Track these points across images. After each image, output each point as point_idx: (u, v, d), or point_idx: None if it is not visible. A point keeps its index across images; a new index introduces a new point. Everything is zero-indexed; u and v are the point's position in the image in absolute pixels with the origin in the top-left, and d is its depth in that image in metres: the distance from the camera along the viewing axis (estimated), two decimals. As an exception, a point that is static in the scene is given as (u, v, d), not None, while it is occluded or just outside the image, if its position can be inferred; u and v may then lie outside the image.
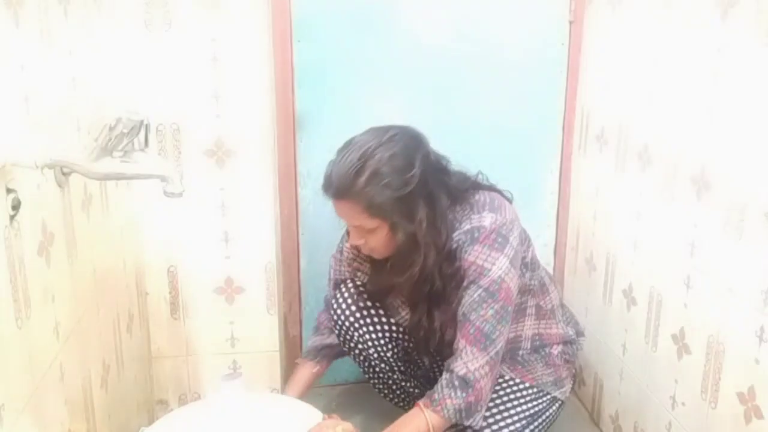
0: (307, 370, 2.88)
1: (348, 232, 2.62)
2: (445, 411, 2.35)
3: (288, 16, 3.05)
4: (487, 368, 2.37)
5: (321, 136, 3.21)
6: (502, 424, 2.57)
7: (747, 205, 2.09)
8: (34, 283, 1.69)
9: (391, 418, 2.54)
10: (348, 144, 2.44)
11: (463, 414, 2.37)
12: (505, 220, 2.44)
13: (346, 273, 2.81)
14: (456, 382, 2.37)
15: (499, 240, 2.41)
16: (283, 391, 2.92)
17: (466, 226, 2.43)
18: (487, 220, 2.42)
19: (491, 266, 2.38)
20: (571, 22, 3.23)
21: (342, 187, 2.37)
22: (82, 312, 2.08)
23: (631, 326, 2.83)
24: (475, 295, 2.38)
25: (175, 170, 1.77)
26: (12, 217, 1.55)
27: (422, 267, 2.44)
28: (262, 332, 3.11)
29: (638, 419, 2.82)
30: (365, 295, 2.72)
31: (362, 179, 2.33)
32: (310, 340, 2.98)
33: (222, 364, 3.13)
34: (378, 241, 2.44)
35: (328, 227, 3.15)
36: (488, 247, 2.39)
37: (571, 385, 2.79)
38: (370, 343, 2.69)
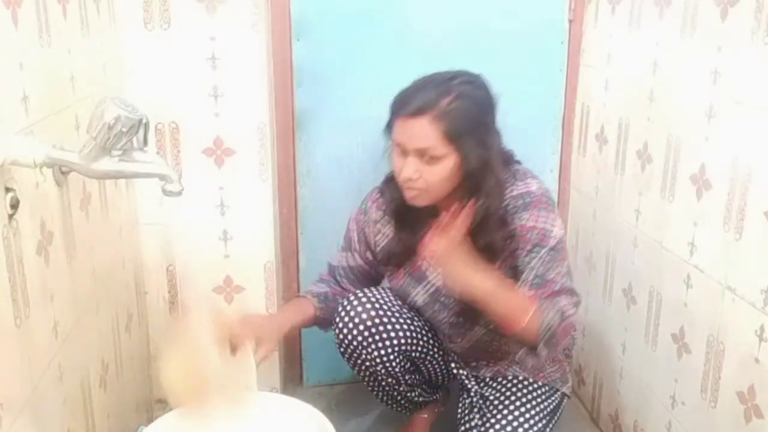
0: (309, 305, 2.70)
1: (387, 180, 2.61)
2: (544, 318, 2.26)
3: (287, 14, 3.04)
4: (573, 318, 2.36)
5: (320, 135, 3.21)
6: (526, 426, 2.50)
7: (747, 204, 2.08)
8: (33, 283, 1.69)
9: (392, 419, 2.54)
10: (424, 75, 2.45)
11: (549, 335, 2.27)
12: (546, 187, 2.48)
13: (369, 235, 2.70)
14: (556, 310, 2.29)
15: (550, 202, 2.43)
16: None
17: (514, 192, 2.42)
18: (533, 185, 2.44)
19: (552, 227, 2.37)
20: (570, 21, 3.22)
21: (424, 104, 2.33)
22: (80, 311, 2.08)
23: (630, 325, 2.83)
24: (547, 257, 2.35)
25: (174, 169, 1.77)
26: (11, 216, 1.55)
27: (487, 206, 2.38)
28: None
29: (638, 418, 2.82)
30: (377, 304, 2.60)
31: (447, 99, 2.33)
32: (317, 287, 2.82)
33: (221, 363, 3.12)
34: (438, 174, 2.35)
35: (327, 226, 3.17)
36: (544, 210, 2.39)
37: (571, 380, 2.77)
38: (378, 360, 2.59)
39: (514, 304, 2.27)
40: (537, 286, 2.34)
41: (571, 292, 2.37)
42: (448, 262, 2.19)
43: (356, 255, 2.74)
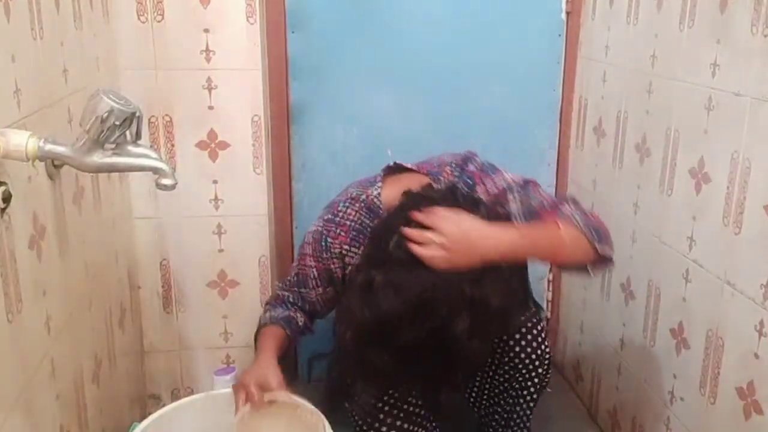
0: (280, 333, 2.52)
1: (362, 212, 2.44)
2: (575, 220, 2.16)
3: (282, 6, 3.02)
4: (590, 210, 2.28)
5: (315, 128, 3.20)
6: None
7: (746, 197, 2.07)
8: (25, 277, 1.67)
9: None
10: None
11: (593, 231, 2.15)
12: (485, 161, 2.41)
13: (335, 271, 2.48)
14: (572, 210, 2.21)
15: (486, 167, 2.37)
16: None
17: (460, 183, 2.34)
18: (470, 166, 2.38)
19: (502, 181, 2.31)
20: (568, 13, 3.22)
21: None
22: (73, 306, 2.07)
23: (629, 321, 2.81)
24: (518, 196, 2.26)
25: (167, 162, 1.75)
26: (2, 210, 1.53)
27: None
28: (256, 327, 3.09)
29: (636, 415, 2.81)
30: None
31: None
32: (276, 311, 2.59)
33: (215, 358, 3.12)
34: None
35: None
36: (487, 178, 2.33)
37: None
38: None
39: (542, 233, 2.17)
40: (533, 218, 2.24)
41: (562, 200, 2.27)
42: (460, 242, 2.03)
43: (311, 293, 2.54)
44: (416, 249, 2.01)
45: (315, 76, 3.14)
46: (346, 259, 2.43)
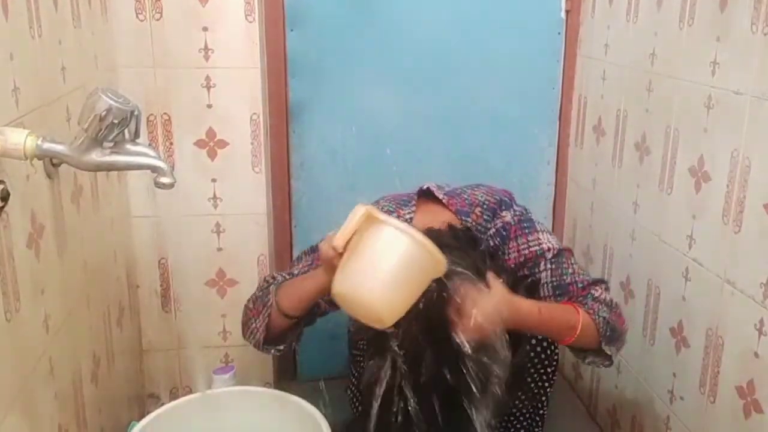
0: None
1: None
2: (597, 316, 2.20)
3: (281, 4, 3.02)
4: (615, 302, 2.30)
5: (314, 126, 3.19)
6: None
7: (746, 196, 2.06)
8: (24, 276, 1.67)
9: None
10: None
11: (609, 331, 2.21)
12: (522, 208, 2.40)
13: None
14: (599, 300, 2.25)
15: (526, 224, 2.36)
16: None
17: (491, 230, 2.34)
18: (507, 216, 2.36)
19: (538, 246, 2.32)
20: (567, 12, 3.21)
21: None
22: (71, 305, 2.06)
23: (628, 319, 2.77)
24: (552, 266, 2.30)
25: (166, 161, 1.74)
26: (0, 209, 1.52)
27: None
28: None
29: (636, 414, 2.80)
30: None
31: None
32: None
33: (214, 357, 3.12)
34: None
35: (321, 219, 3.15)
36: (521, 237, 2.33)
37: None
38: None
39: (560, 317, 2.20)
40: (560, 297, 2.29)
41: (595, 282, 2.31)
42: (495, 312, 1.99)
43: None
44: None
45: (314, 74, 3.14)
46: None
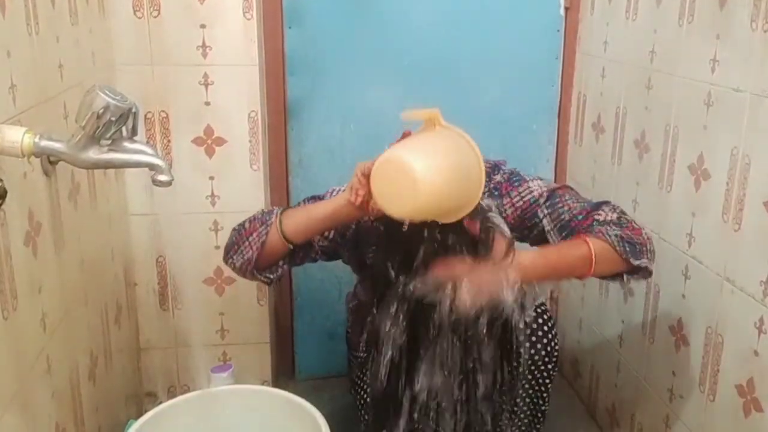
0: None
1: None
2: (608, 236, 2.12)
3: (279, 1, 3.02)
4: (626, 216, 2.22)
5: (313, 124, 3.19)
6: None
7: (746, 193, 2.06)
8: (21, 274, 1.67)
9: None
10: None
11: (627, 246, 2.13)
12: (507, 166, 2.40)
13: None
14: (606, 222, 2.19)
15: (515, 178, 2.34)
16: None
17: (485, 192, 2.32)
18: (497, 176, 2.36)
19: (530, 193, 2.30)
20: (566, 9, 3.21)
21: None
22: (69, 303, 2.06)
23: (628, 318, 2.81)
24: (549, 210, 2.27)
25: (163, 159, 1.73)
26: (-3, 207, 1.52)
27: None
28: (253, 323, 3.09)
29: (635, 412, 2.80)
30: None
31: None
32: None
33: (212, 355, 3.11)
34: None
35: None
36: (514, 190, 2.32)
37: None
38: None
39: (570, 254, 2.15)
40: (568, 236, 2.24)
41: (596, 206, 2.26)
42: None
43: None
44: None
45: (312, 71, 3.14)
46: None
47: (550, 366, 2.45)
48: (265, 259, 2.30)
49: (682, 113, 2.40)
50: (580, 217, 2.23)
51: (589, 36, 3.14)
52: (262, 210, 2.42)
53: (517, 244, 2.08)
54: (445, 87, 3.22)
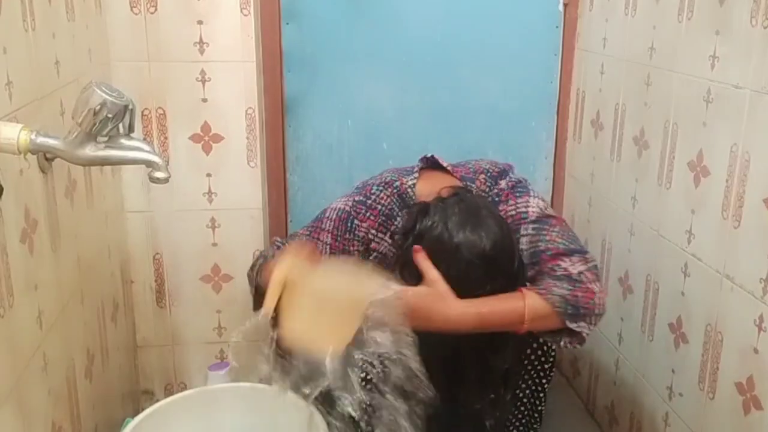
0: None
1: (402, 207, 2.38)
2: (550, 295, 2.10)
3: (276, -3, 3.01)
4: (591, 274, 2.17)
5: (310, 120, 3.18)
6: None
7: (746, 191, 2.05)
8: (17, 272, 1.66)
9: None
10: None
11: (569, 308, 2.10)
12: (520, 177, 2.38)
13: (352, 254, 2.41)
14: (560, 277, 2.15)
15: (518, 187, 2.33)
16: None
17: (489, 198, 2.32)
18: (502, 183, 2.35)
19: (525, 209, 2.27)
20: (565, 5, 3.20)
21: None
22: (65, 300, 2.05)
23: (627, 315, 2.80)
24: (530, 234, 2.24)
25: (160, 156, 1.73)
26: (-7, 204, 1.51)
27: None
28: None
29: (634, 410, 2.79)
30: None
31: None
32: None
33: (209, 353, 3.10)
34: None
35: (316, 214, 3.13)
36: (510, 200, 2.30)
37: None
38: None
39: (503, 308, 2.11)
40: (534, 266, 2.22)
41: (571, 251, 2.20)
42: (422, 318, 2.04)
43: None
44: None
45: (310, 68, 3.13)
46: (372, 245, 2.38)
47: (547, 366, 2.44)
48: None
49: (682, 110, 2.39)
50: (549, 253, 2.20)
51: (587, 32, 3.13)
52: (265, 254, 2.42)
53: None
54: (443, 83, 3.22)
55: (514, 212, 2.28)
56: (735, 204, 2.11)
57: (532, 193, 2.33)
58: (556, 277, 2.15)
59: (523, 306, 2.09)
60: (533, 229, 2.25)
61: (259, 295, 2.26)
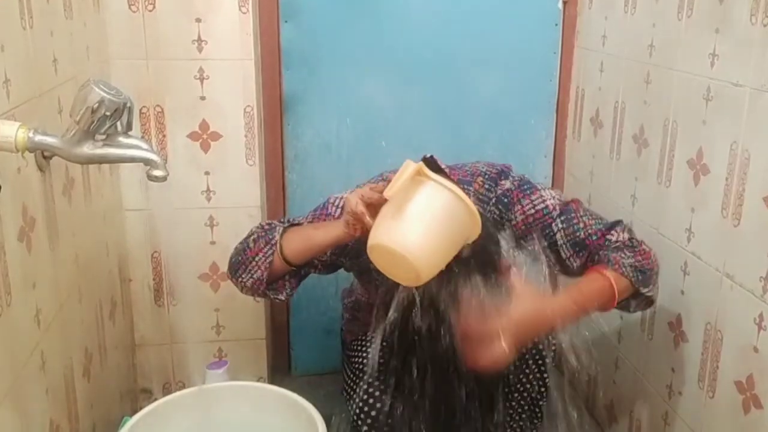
0: None
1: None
2: (623, 268, 2.16)
3: (275, -5, 3.01)
4: (636, 238, 2.27)
5: (309, 118, 3.18)
6: None
7: (745, 189, 2.05)
8: (15, 270, 1.66)
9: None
10: None
11: (639, 274, 2.17)
12: (517, 173, 2.39)
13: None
14: (619, 247, 2.23)
15: (527, 185, 2.33)
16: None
17: (493, 199, 2.32)
18: (506, 183, 2.34)
19: (543, 203, 2.29)
20: (564, 3, 3.20)
21: None
22: (63, 299, 2.05)
23: (626, 314, 2.79)
24: (563, 225, 2.28)
25: (159, 154, 1.73)
26: (-9, 202, 1.51)
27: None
28: (248, 319, 3.08)
29: (634, 409, 2.79)
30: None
31: None
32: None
33: (207, 352, 3.10)
34: None
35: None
36: (525, 198, 2.31)
37: None
38: None
39: (594, 292, 2.16)
40: (581, 253, 2.27)
41: (610, 225, 2.29)
42: (524, 329, 2.06)
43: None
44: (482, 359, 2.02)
45: (308, 66, 3.12)
46: None
47: (548, 360, 2.44)
48: (274, 278, 2.28)
49: (681, 108, 2.39)
50: (594, 237, 2.25)
51: (587, 30, 3.13)
52: (262, 225, 2.35)
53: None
54: (442, 81, 3.22)
55: (532, 210, 2.29)
56: (735, 202, 2.10)
57: (539, 186, 2.34)
58: (617, 248, 2.22)
59: (610, 284, 2.14)
60: (562, 222, 2.28)
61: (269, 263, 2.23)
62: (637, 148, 2.68)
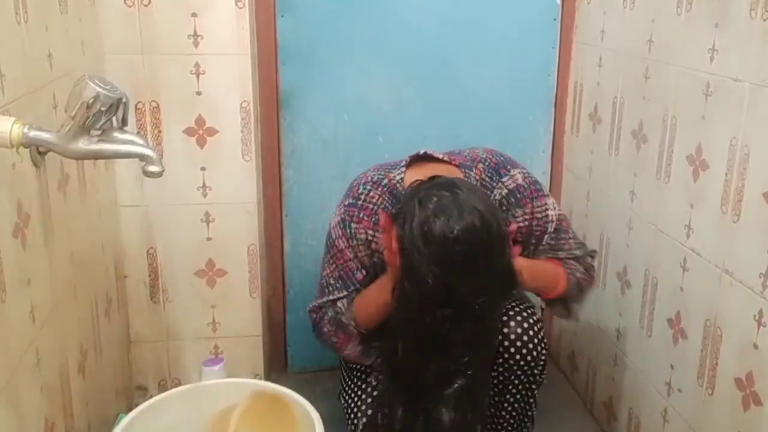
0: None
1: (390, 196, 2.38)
2: (572, 276, 2.43)
3: (271, -11, 3.00)
4: (594, 270, 2.54)
5: (305, 114, 3.17)
6: None
7: (745, 185, 2.05)
8: (9, 266, 1.65)
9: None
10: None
11: (577, 288, 2.46)
12: (530, 173, 2.46)
13: (363, 258, 2.38)
14: (582, 266, 2.46)
15: (537, 188, 2.42)
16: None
17: (504, 190, 2.37)
18: (519, 177, 2.39)
19: (545, 212, 2.40)
20: (563, -3, 3.20)
21: None
22: (58, 296, 2.04)
23: (625, 310, 2.80)
24: (550, 243, 2.44)
25: (154, 149, 1.73)
26: (-15, 198, 1.50)
27: None
28: (245, 316, 3.08)
29: (633, 406, 2.79)
30: None
31: None
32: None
33: (203, 349, 3.10)
34: None
35: (312, 208, 3.13)
36: (536, 199, 2.40)
37: None
38: None
39: (546, 271, 2.41)
40: (546, 256, 2.47)
41: (585, 254, 2.51)
42: None
43: (359, 284, 2.41)
44: None
45: (305, 61, 3.11)
46: (372, 245, 2.36)
47: (536, 371, 2.42)
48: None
49: (681, 103, 2.38)
50: (568, 259, 2.48)
51: (585, 25, 3.12)
52: (334, 319, 2.45)
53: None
54: (440, 76, 3.21)
55: (536, 218, 2.41)
56: (734, 198, 2.10)
57: (545, 192, 2.46)
58: (578, 262, 2.47)
59: (561, 278, 2.41)
60: (553, 239, 2.44)
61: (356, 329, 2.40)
62: (636, 144, 2.67)
